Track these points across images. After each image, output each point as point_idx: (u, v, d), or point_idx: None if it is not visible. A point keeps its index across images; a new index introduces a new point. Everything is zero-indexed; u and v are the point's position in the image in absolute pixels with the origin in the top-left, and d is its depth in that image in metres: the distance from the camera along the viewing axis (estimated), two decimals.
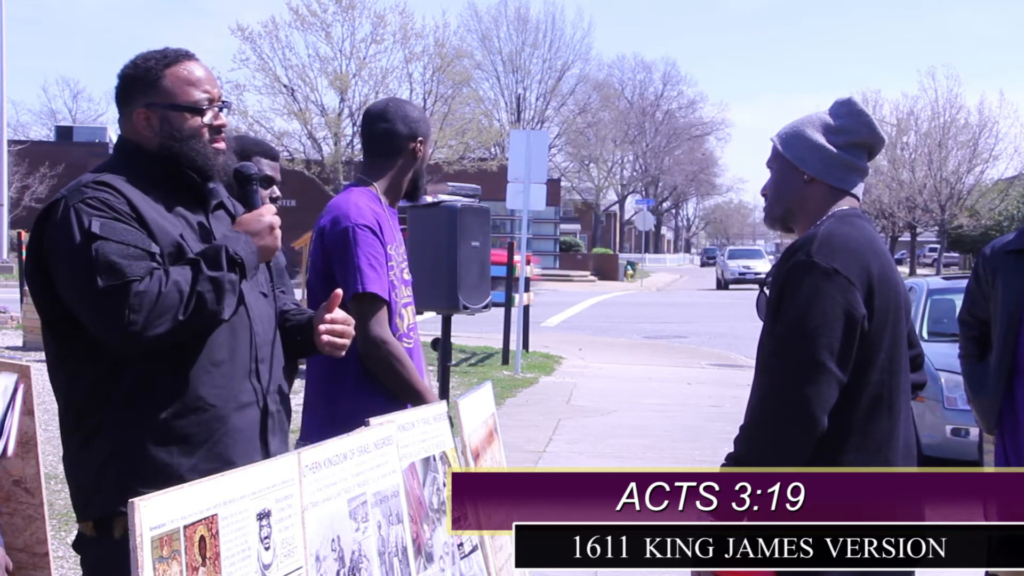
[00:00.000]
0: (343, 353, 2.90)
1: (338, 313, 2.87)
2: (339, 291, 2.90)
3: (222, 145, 2.72)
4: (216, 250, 2.56)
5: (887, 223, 49.38)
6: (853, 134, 2.81)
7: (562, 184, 55.38)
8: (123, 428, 2.54)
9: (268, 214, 2.74)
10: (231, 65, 42.35)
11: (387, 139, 3.61)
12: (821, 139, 2.82)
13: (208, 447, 2.58)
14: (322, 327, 2.84)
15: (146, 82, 2.67)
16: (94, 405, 2.57)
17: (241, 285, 2.61)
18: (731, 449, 2.62)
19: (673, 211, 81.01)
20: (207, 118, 2.69)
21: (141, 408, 2.54)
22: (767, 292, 2.78)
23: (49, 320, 2.62)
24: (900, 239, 55.83)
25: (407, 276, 3.66)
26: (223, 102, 2.76)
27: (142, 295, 2.43)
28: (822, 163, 2.81)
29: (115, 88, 2.73)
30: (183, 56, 2.71)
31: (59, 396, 2.66)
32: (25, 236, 22.32)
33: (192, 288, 2.48)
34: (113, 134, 55.92)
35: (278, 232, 2.75)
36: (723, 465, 2.59)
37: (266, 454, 2.67)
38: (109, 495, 2.53)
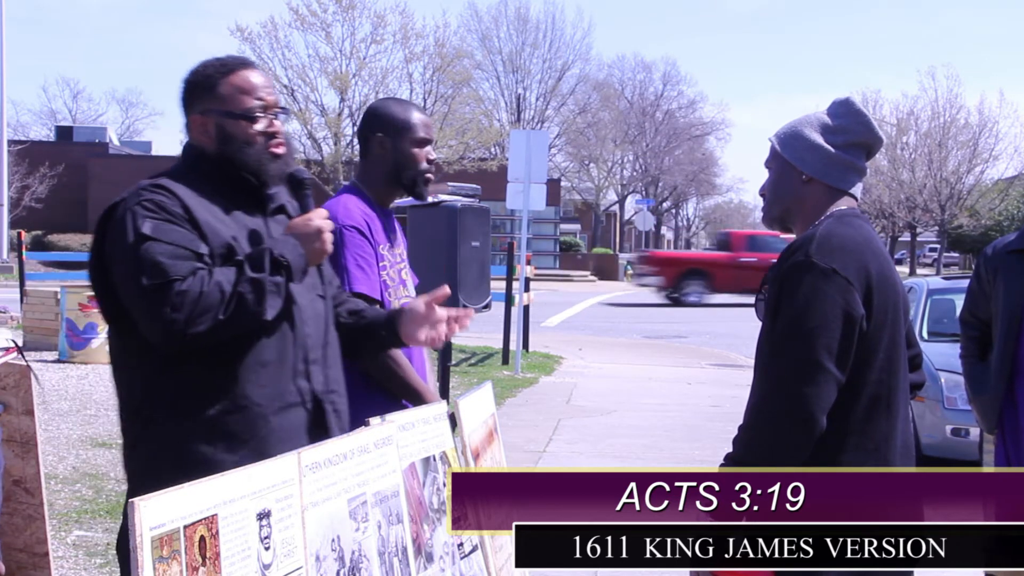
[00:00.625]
0: (441, 344, 3.08)
1: (445, 309, 3.05)
2: (446, 288, 3.09)
3: (280, 149, 2.80)
4: (260, 252, 2.65)
5: (887, 223, 49.39)
6: (851, 134, 2.81)
7: (562, 184, 55.32)
8: (172, 424, 2.62)
9: (317, 219, 2.80)
10: None
11: (361, 140, 3.64)
12: (819, 139, 2.81)
13: (252, 445, 2.63)
14: (443, 317, 3.03)
15: (204, 89, 2.78)
16: (147, 400, 2.65)
17: (292, 288, 2.68)
18: (731, 449, 2.62)
19: (673, 211, 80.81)
20: (260, 125, 2.77)
21: (190, 405, 2.61)
22: (765, 292, 2.78)
23: (111, 318, 2.72)
24: (900, 239, 55.86)
25: (405, 276, 3.65)
26: (280, 108, 2.85)
27: (184, 294, 2.51)
28: (820, 163, 2.80)
29: (179, 94, 2.84)
30: (240, 64, 2.82)
31: (119, 392, 2.75)
32: (25, 236, 22.37)
33: (233, 289, 2.56)
34: (113, 134, 56.07)
35: (328, 236, 2.80)
36: (722, 465, 2.59)
37: None
38: (156, 490, 2.56)
